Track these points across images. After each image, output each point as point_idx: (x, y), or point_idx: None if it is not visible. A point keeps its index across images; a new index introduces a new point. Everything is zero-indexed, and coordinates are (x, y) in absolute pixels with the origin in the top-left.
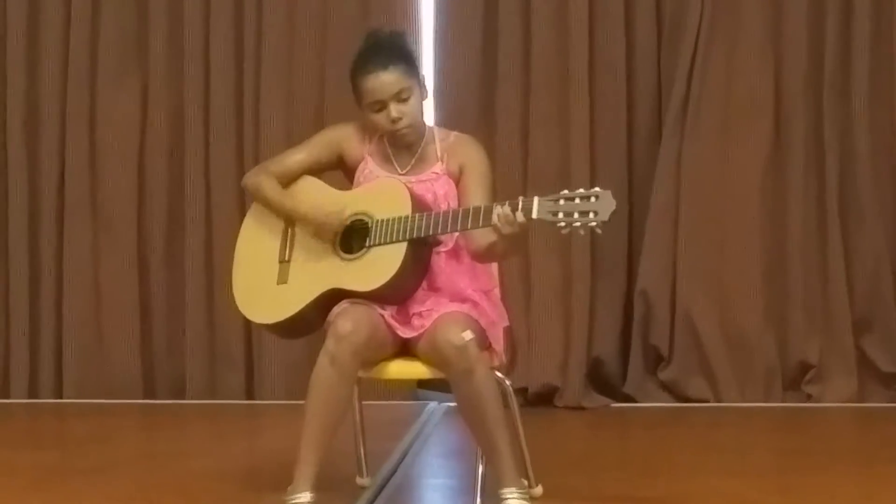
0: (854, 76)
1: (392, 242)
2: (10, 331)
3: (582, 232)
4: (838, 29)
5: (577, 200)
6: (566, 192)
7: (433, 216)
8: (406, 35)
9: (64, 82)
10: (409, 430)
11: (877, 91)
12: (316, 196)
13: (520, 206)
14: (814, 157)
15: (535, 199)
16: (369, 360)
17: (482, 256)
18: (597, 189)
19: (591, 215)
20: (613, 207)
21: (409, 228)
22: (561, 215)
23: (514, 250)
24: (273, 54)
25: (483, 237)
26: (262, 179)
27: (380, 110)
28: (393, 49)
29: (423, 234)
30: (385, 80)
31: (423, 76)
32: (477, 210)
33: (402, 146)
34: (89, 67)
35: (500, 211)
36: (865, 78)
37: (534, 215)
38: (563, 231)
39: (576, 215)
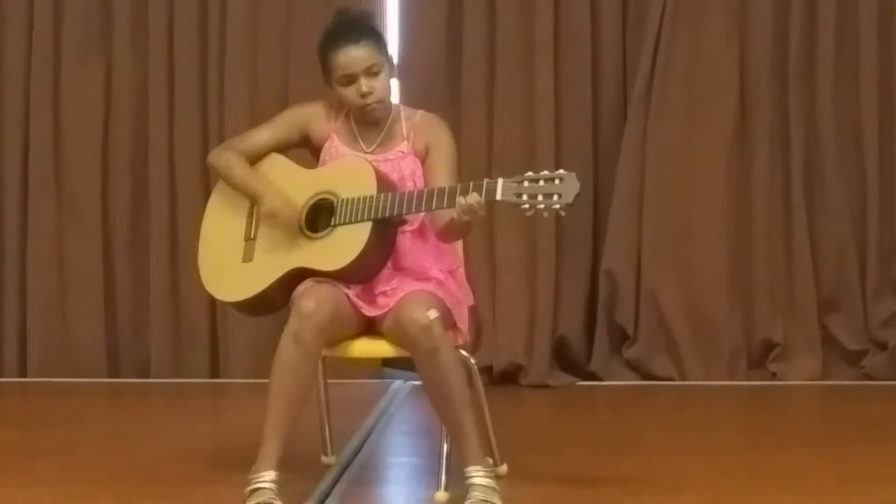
0: (819, 56)
1: (357, 222)
2: None
3: (546, 214)
4: (803, 8)
5: (542, 182)
6: (530, 173)
7: (398, 196)
8: (375, 14)
9: (28, 60)
10: (374, 408)
11: (841, 74)
12: (281, 175)
13: (484, 188)
14: (779, 137)
15: (500, 181)
16: (333, 339)
17: (444, 235)
18: (561, 171)
19: (555, 198)
20: (577, 190)
21: (373, 208)
22: (525, 197)
23: (470, 229)
24: (238, 33)
25: (446, 215)
26: (227, 156)
27: (350, 84)
28: (364, 26)
29: (387, 214)
30: (356, 54)
31: (392, 56)
32: (441, 191)
33: (369, 123)
34: (53, 46)
35: (464, 202)
36: (831, 59)
37: (498, 197)
38: (528, 213)
39: (540, 197)
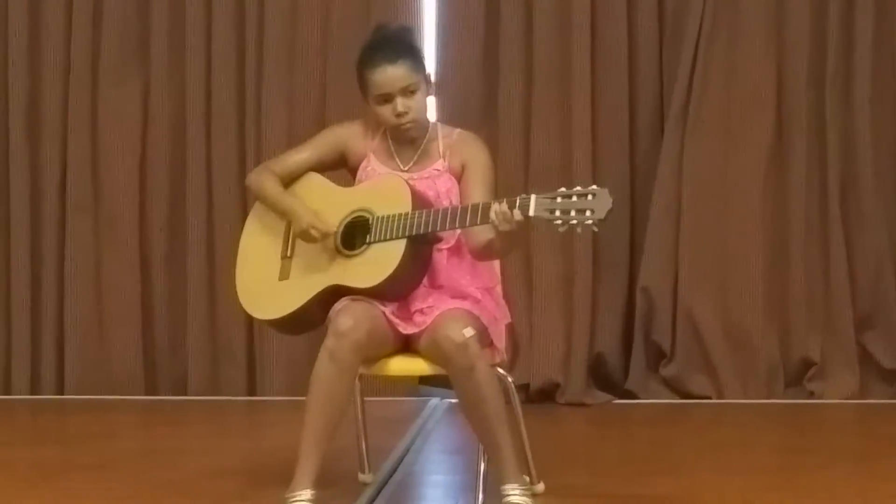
0: (856, 72)
1: (392, 239)
2: (12, 328)
3: (579, 230)
4: (840, 25)
5: (574, 198)
6: (563, 189)
7: (432, 213)
8: (413, 31)
9: (66, 81)
10: (411, 426)
11: (879, 88)
12: (318, 194)
13: (517, 204)
14: (816, 154)
15: (533, 197)
16: (370, 357)
17: (481, 254)
18: (594, 187)
19: (588, 213)
20: (610, 206)
21: (408, 225)
22: (558, 213)
23: (511, 247)
24: (275, 52)
25: (483, 234)
26: (263, 178)
27: (386, 103)
28: (401, 43)
29: (422, 231)
30: (393, 73)
31: (430, 74)
32: (475, 207)
33: (405, 142)
34: (91, 66)
35: (498, 208)
36: (868, 74)
37: (531, 213)
38: (560, 229)
39: (572, 213)
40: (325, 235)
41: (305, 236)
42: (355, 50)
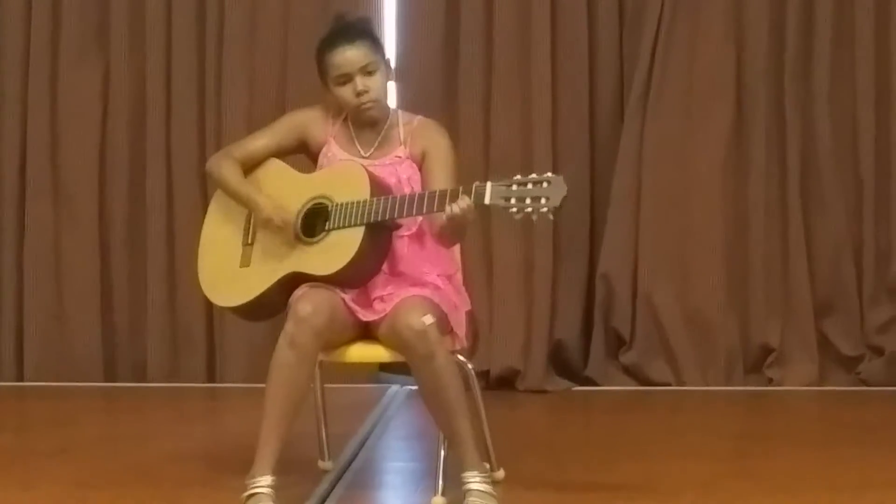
0: (815, 59)
1: (350, 226)
2: None
3: (534, 218)
4: (800, 10)
5: (530, 186)
6: (518, 177)
7: (391, 200)
8: (371, 19)
9: (25, 61)
10: (371, 413)
11: (838, 73)
12: (278, 180)
13: (473, 192)
14: (775, 141)
15: (489, 185)
16: (330, 343)
17: (439, 239)
18: (549, 174)
19: (543, 201)
20: (565, 193)
21: (366, 212)
22: (513, 201)
23: (462, 232)
24: (235, 36)
25: (441, 220)
26: (223, 165)
27: (345, 83)
28: (359, 29)
29: (380, 218)
30: (352, 54)
31: (388, 59)
32: (433, 195)
33: (365, 125)
34: (50, 47)
35: (452, 209)
36: (827, 61)
37: (486, 200)
38: (516, 217)
39: (528, 201)
40: (285, 226)
41: (266, 226)
42: (315, 37)
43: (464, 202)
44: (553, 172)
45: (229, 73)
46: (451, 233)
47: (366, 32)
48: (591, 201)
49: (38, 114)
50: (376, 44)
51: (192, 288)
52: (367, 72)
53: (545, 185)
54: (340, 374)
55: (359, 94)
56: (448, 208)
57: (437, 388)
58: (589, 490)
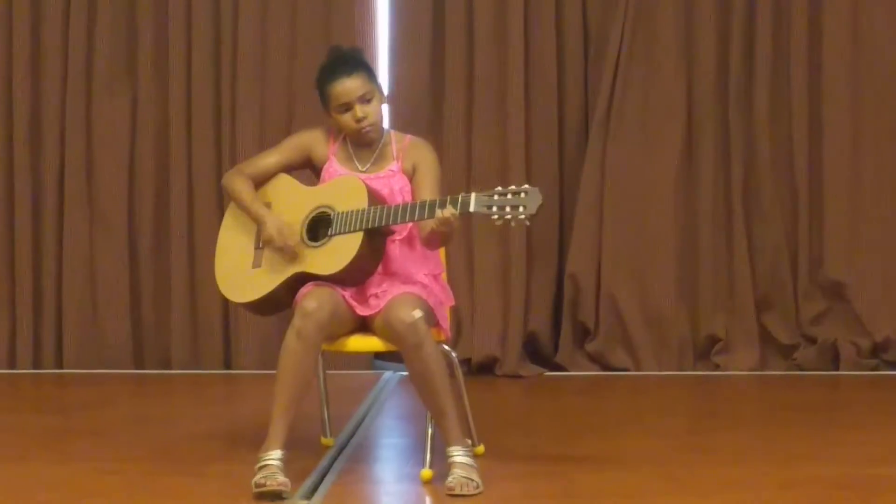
0: (755, 86)
1: (350, 232)
2: (16, 310)
3: (513, 224)
4: (742, 45)
5: (509, 196)
6: (500, 188)
7: (386, 209)
8: (363, 50)
9: (63, 91)
10: (368, 396)
11: (776, 99)
12: (287, 193)
13: (459, 201)
14: (721, 159)
15: (473, 195)
16: (332, 335)
17: (428, 243)
18: (526, 186)
19: (521, 209)
20: (540, 202)
21: (364, 220)
22: (495, 209)
23: (448, 238)
24: (248, 67)
25: (430, 226)
26: (236, 182)
27: (346, 111)
28: (355, 59)
29: (376, 225)
30: (350, 84)
31: (381, 84)
32: (423, 204)
33: (363, 145)
34: (85, 78)
35: (440, 214)
36: (766, 88)
37: (471, 209)
38: (497, 223)
39: (507, 209)
40: (282, 248)
41: (266, 245)
42: (316, 68)
43: (449, 211)
44: (527, 184)
45: (242, 99)
46: (440, 237)
47: (361, 63)
48: (559, 210)
49: (74, 136)
50: (371, 73)
51: (210, 287)
52: (366, 100)
53: (523, 195)
54: (341, 361)
55: (359, 121)
56: (438, 213)
57: (426, 374)
58: (559, 462)
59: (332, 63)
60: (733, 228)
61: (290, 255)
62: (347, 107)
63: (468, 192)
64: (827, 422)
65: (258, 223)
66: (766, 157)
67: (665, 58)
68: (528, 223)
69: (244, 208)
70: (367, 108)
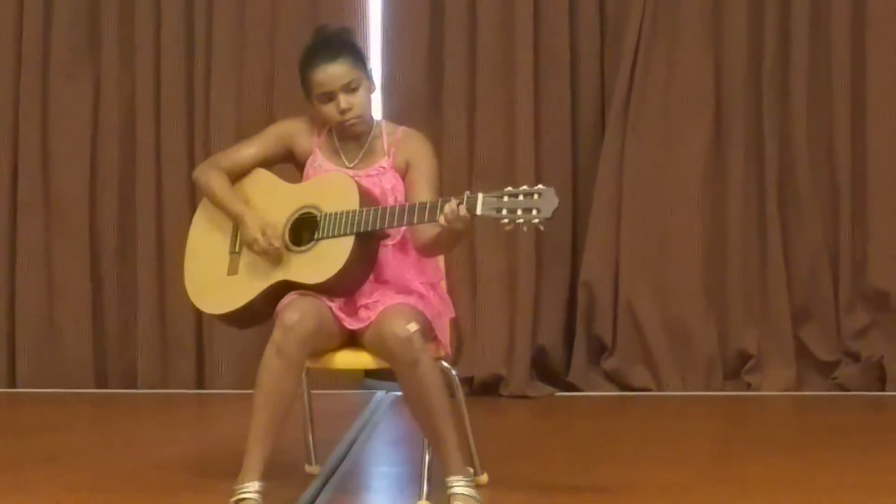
0: (792, 72)
1: (339, 236)
2: None
3: (525, 229)
4: (777, 24)
5: (521, 197)
6: (510, 188)
7: (380, 211)
8: (353, 31)
9: (17, 76)
10: (357, 418)
11: (815, 87)
12: (266, 190)
13: (464, 202)
14: (753, 153)
15: (480, 196)
16: (317, 351)
17: (426, 250)
18: (540, 186)
19: (534, 212)
20: (556, 205)
21: (356, 222)
22: (504, 212)
23: (456, 243)
24: (223, 48)
25: (428, 231)
26: (210, 175)
27: (329, 101)
28: (341, 42)
29: (370, 228)
30: (334, 71)
31: (371, 69)
32: (423, 206)
33: (350, 138)
34: (42, 61)
35: (447, 207)
36: (804, 75)
37: (478, 211)
38: (507, 227)
39: (519, 212)
40: (267, 250)
41: (250, 248)
42: (300, 49)
43: (462, 211)
44: (537, 183)
45: (217, 84)
46: (446, 241)
47: (347, 46)
48: (573, 210)
49: (29, 127)
50: (359, 58)
51: (181, 296)
52: (350, 89)
53: (537, 196)
54: (327, 380)
55: (342, 112)
56: (444, 212)
57: (422, 394)
58: (571, 493)
59: (314, 46)
60: (767, 231)
61: (275, 258)
62: (330, 96)
63: (472, 191)
64: (872, 448)
65: (237, 222)
66: (803, 152)
67: (690, 39)
68: (542, 228)
69: (220, 205)
70: (352, 99)
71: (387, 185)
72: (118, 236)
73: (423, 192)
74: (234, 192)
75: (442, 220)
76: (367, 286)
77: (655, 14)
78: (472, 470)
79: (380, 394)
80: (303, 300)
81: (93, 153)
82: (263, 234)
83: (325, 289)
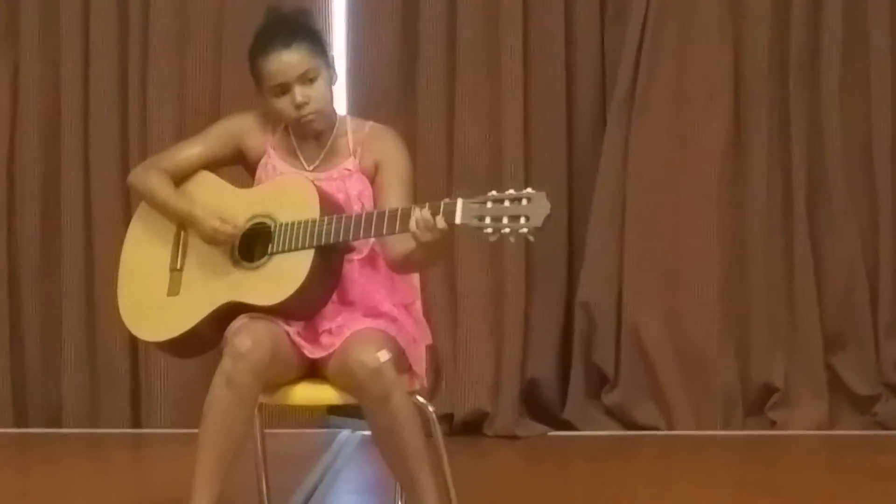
0: (824, 56)
1: (297, 249)
2: None
3: (512, 239)
4: (806, 2)
5: (507, 203)
6: (494, 193)
7: (344, 220)
8: (311, 12)
9: None
10: (319, 461)
11: (850, 72)
12: (212, 195)
13: (441, 210)
14: (778, 150)
15: (459, 202)
16: (272, 383)
17: (399, 266)
18: (529, 190)
19: (523, 220)
20: (548, 211)
21: (316, 233)
22: (488, 220)
23: (434, 260)
24: (163, 31)
25: (401, 244)
26: (150, 176)
27: (282, 94)
28: (297, 26)
29: (332, 240)
30: (288, 59)
31: (333, 57)
32: (394, 213)
33: (308, 137)
34: None
35: (419, 215)
36: (837, 59)
37: (457, 220)
38: (491, 238)
39: (505, 220)
40: (234, 234)
41: (212, 241)
42: (252, 32)
43: (435, 223)
44: (526, 186)
45: (156, 74)
46: (421, 259)
47: (304, 30)
48: (568, 219)
49: None
50: (317, 43)
51: (114, 320)
52: (307, 79)
53: (525, 202)
54: (284, 417)
55: (298, 107)
56: (414, 222)
57: (394, 434)
58: None
59: (265, 30)
60: (794, 242)
61: (228, 269)
62: (284, 88)
63: (451, 197)
64: None
65: (186, 220)
66: (836, 150)
67: (706, 17)
68: (531, 239)
69: (162, 205)
70: (308, 91)
71: (352, 191)
72: (40, 254)
73: (395, 198)
74: (177, 191)
75: (413, 227)
76: (329, 308)
77: None
78: None
79: (345, 433)
80: (255, 324)
81: (10, 154)
82: (222, 221)
83: (281, 311)
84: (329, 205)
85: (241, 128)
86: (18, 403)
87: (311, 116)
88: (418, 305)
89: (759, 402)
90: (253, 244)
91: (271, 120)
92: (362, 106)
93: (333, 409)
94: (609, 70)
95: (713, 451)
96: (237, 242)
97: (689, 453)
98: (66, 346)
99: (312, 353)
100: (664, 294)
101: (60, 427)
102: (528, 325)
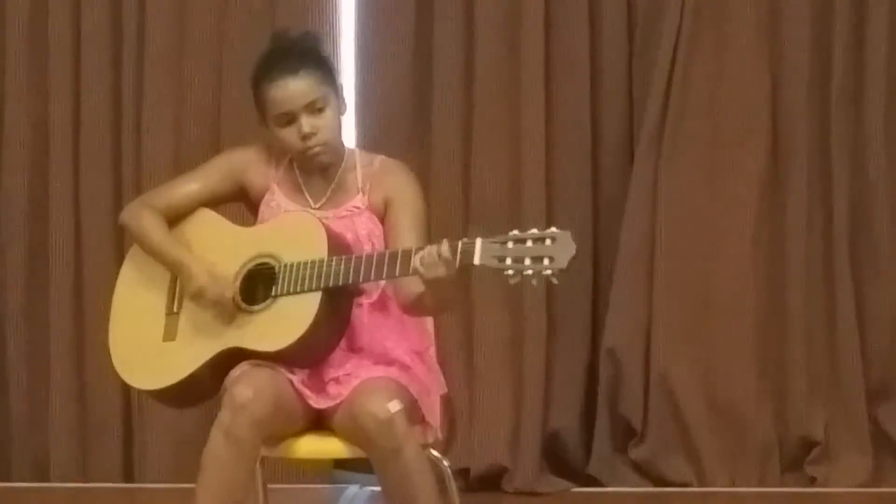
0: (868, 83)
1: (303, 292)
2: None
3: (534, 282)
4: (848, 31)
5: (529, 243)
6: (516, 232)
7: (353, 261)
8: (319, 37)
9: None
10: None
11: (895, 106)
12: (212, 235)
13: (459, 250)
14: (819, 188)
15: (478, 242)
16: (274, 436)
17: (411, 307)
18: (553, 230)
19: (546, 261)
20: (573, 252)
21: (324, 274)
22: (509, 261)
23: (447, 302)
24: (159, 57)
25: (414, 284)
26: (143, 217)
27: (288, 124)
28: (304, 52)
29: (341, 283)
30: (295, 87)
31: (342, 86)
32: (407, 253)
33: (315, 171)
34: None
35: (424, 252)
36: (883, 85)
37: (476, 261)
38: (512, 280)
39: (527, 261)
40: (220, 300)
41: (197, 299)
42: (255, 58)
43: (439, 255)
44: (549, 225)
45: (151, 105)
46: (433, 301)
47: (312, 57)
48: (593, 261)
49: None
50: (326, 71)
51: (105, 367)
52: (315, 109)
53: (549, 242)
54: (287, 471)
55: (304, 138)
56: (421, 269)
57: (405, 490)
58: None
59: (271, 56)
60: (836, 285)
61: (226, 316)
62: (290, 118)
63: (468, 236)
64: None
65: (177, 271)
66: (881, 186)
67: (742, 46)
68: (555, 281)
69: (155, 251)
70: (316, 122)
71: (361, 230)
72: (26, 296)
73: (407, 238)
74: (172, 236)
75: (417, 263)
76: (337, 355)
77: (697, 11)
78: None
79: (353, 488)
80: (256, 372)
81: None
82: (215, 282)
83: (284, 358)
84: (338, 244)
85: (243, 162)
86: (2, 455)
87: (318, 149)
88: (432, 352)
89: (798, 456)
90: (255, 286)
91: (274, 153)
92: (372, 138)
93: (340, 464)
94: (637, 101)
95: None
96: (238, 285)
97: None
98: (54, 394)
99: (318, 403)
100: (696, 340)
101: (48, 481)
102: (549, 373)
